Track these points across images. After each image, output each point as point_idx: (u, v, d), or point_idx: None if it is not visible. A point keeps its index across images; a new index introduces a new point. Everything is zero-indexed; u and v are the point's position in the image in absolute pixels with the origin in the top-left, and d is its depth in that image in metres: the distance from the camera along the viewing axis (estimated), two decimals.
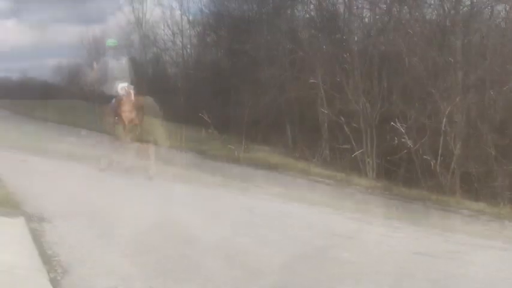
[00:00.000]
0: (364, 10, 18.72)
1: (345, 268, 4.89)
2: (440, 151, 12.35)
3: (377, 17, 17.63)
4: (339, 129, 16.10)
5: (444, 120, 12.41)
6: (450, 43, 13.57)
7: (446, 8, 14.68)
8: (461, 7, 14.24)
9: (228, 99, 24.63)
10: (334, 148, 16.37)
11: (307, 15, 20.45)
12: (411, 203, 7.80)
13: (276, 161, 12.45)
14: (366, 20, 19.08)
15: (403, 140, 12.66)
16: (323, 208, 7.37)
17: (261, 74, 20.19)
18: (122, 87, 14.09)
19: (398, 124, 12.85)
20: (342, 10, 19.55)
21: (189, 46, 38.72)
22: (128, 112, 13.86)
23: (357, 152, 14.75)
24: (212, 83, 27.10)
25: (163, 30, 41.27)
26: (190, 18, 38.09)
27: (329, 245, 5.55)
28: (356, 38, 19.00)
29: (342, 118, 15.39)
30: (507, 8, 15.29)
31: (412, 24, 15.35)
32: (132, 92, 13.31)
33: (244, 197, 8.15)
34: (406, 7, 16.86)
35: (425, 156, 12.75)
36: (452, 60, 12.99)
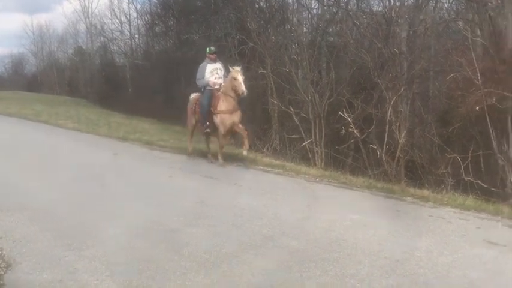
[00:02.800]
0: (313, 1, 18.96)
1: (293, 256, 4.95)
2: (386, 140, 12.66)
3: (325, 8, 17.87)
4: (289, 119, 16.30)
5: (390, 110, 12.72)
6: (395, 34, 13.90)
7: (392, 0, 15.04)
8: None
9: (177, 90, 24.46)
10: (284, 138, 16.55)
11: (257, 6, 20.53)
12: (357, 191, 7.94)
13: (226, 151, 12.41)
14: (314, 11, 19.35)
15: (350, 129, 12.90)
16: (271, 197, 7.43)
17: None
18: (215, 68, 10.64)
19: (345, 114, 13.09)
20: (290, 1, 19.74)
21: (137, 36, 38.26)
22: (227, 114, 10.11)
23: (306, 142, 14.96)
24: (161, 73, 26.85)
25: (111, 20, 40.69)
26: (138, 7, 37.69)
27: (278, 234, 5.60)
28: (304, 29, 19.22)
29: (292, 108, 15.57)
30: (451, 0, 15.79)
31: (359, 15, 15.65)
32: (240, 77, 9.83)
33: (193, 187, 8.13)
34: None
35: (371, 145, 13.06)
36: (397, 51, 13.31)
